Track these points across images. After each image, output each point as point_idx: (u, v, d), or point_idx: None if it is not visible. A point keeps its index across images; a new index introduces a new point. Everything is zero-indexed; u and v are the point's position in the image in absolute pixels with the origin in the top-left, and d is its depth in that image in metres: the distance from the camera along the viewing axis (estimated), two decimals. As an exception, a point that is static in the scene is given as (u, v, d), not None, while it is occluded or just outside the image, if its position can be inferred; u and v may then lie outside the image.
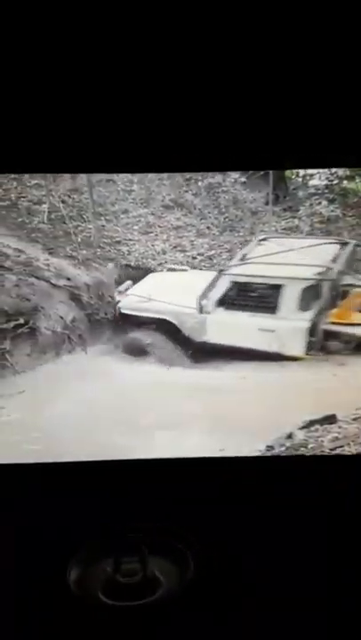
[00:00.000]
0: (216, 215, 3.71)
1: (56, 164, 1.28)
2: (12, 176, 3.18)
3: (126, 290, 3.25)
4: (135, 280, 3.30)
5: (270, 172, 3.84)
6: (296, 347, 2.82)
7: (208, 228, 3.62)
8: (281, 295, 2.83)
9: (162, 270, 3.39)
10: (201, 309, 2.96)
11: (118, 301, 3.18)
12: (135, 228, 3.44)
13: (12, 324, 2.97)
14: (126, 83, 1.20)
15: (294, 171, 3.68)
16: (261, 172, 4.18)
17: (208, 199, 3.77)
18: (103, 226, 3.38)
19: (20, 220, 3.20)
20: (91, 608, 1.19)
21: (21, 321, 2.98)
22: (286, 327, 2.83)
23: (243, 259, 3.10)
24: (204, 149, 1.27)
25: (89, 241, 3.28)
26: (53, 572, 1.25)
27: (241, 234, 3.67)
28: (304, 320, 2.82)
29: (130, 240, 3.40)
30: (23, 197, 3.25)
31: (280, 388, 2.77)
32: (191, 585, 1.22)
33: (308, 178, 3.76)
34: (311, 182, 3.73)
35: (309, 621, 1.15)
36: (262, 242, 3.31)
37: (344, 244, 3.18)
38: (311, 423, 2.44)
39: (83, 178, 3.34)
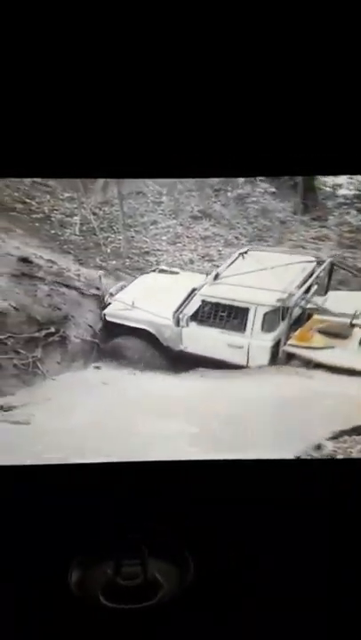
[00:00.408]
0: (245, 225, 3.71)
1: (74, 168, 1.32)
2: (46, 189, 3.31)
3: (117, 292, 3.36)
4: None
5: (300, 181, 3.84)
6: (261, 363, 3.06)
7: (236, 237, 3.63)
8: (247, 317, 3.08)
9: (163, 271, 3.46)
10: (177, 322, 3.17)
11: (107, 305, 3.30)
12: (164, 238, 3.50)
13: (43, 332, 3.07)
14: (139, 92, 1.22)
15: (323, 180, 3.65)
16: (291, 182, 4.18)
17: (237, 209, 3.77)
18: (132, 237, 3.45)
19: (52, 232, 3.32)
20: (91, 610, 1.20)
21: (52, 329, 3.08)
22: (253, 345, 3.09)
23: (216, 277, 3.27)
24: (234, 155, 1.28)
25: (118, 252, 3.36)
26: (54, 574, 1.26)
27: (270, 243, 3.66)
28: (268, 340, 3.07)
29: (158, 250, 3.45)
30: (56, 210, 3.36)
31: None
32: (191, 587, 1.22)
33: (337, 187, 3.71)
34: (340, 192, 3.69)
35: (309, 622, 1.12)
36: (243, 255, 3.44)
37: (320, 262, 3.35)
38: (341, 434, 2.43)
39: (114, 190, 3.42)
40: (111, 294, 3.31)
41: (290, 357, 3.06)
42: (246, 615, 1.16)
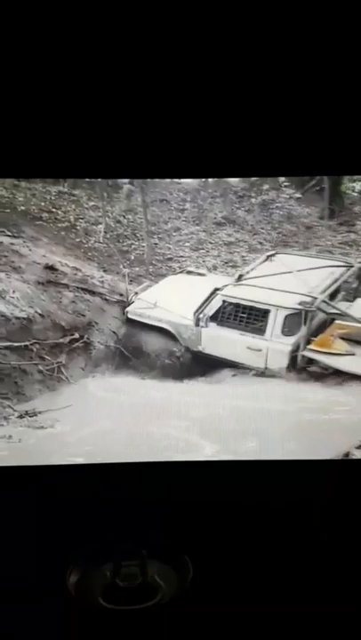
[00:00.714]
0: (269, 230, 3.67)
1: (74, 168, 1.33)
2: (71, 199, 3.38)
3: (142, 292, 3.37)
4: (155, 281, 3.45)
5: (326, 186, 3.78)
6: (279, 367, 2.99)
7: (260, 243, 3.59)
8: (267, 319, 3.02)
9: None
10: (197, 322, 3.15)
11: (130, 303, 3.31)
12: (187, 244, 3.49)
13: (67, 338, 3.11)
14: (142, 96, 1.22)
15: (351, 185, 3.58)
16: (317, 187, 4.12)
17: (261, 215, 3.74)
18: (156, 244, 3.47)
19: (77, 240, 3.38)
20: (90, 612, 1.19)
21: (76, 335, 3.11)
22: (272, 349, 3.02)
23: (239, 278, 3.23)
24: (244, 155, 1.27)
25: (142, 258, 3.38)
26: (52, 576, 1.26)
27: (295, 249, 3.60)
28: (287, 344, 3.00)
29: (181, 257, 3.45)
30: (81, 219, 3.43)
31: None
32: (190, 589, 1.20)
33: (365, 191, 3.64)
34: (368, 195, 3.61)
35: (310, 626, 1.07)
36: (271, 257, 3.39)
37: (349, 267, 3.27)
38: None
39: (138, 199, 3.46)
40: (136, 293, 3.33)
41: (309, 362, 2.98)
42: (245, 617, 1.13)
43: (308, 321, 3.00)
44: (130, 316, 3.26)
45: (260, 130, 1.25)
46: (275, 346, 2.99)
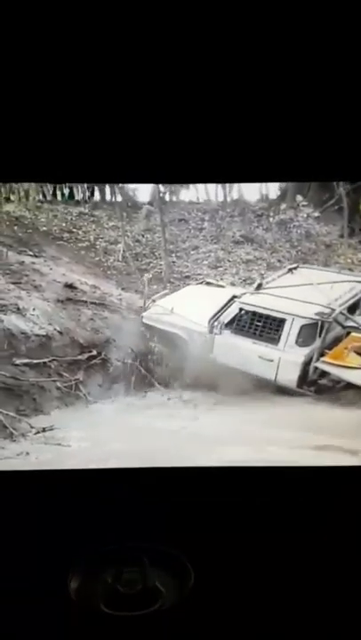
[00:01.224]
0: (288, 249, 3.66)
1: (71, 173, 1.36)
2: (92, 219, 3.46)
3: (159, 299, 3.37)
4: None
5: (345, 205, 3.77)
6: (290, 379, 2.92)
7: (279, 261, 3.57)
8: (282, 328, 2.97)
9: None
10: (211, 329, 3.12)
11: (146, 309, 3.30)
12: (205, 262, 3.51)
13: (85, 355, 3.12)
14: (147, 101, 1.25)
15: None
16: (336, 207, 4.11)
17: (279, 234, 3.74)
18: (174, 262, 3.50)
19: (97, 258, 3.44)
20: (91, 618, 1.16)
21: (94, 352, 3.12)
22: (283, 359, 2.95)
23: (258, 287, 3.21)
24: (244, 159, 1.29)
25: (160, 276, 3.41)
26: (54, 581, 1.24)
27: (315, 266, 3.57)
28: (300, 355, 2.93)
29: (199, 274, 3.47)
30: (101, 238, 3.50)
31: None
32: (191, 595, 1.16)
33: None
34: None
35: (310, 631, 1.07)
36: (293, 270, 3.36)
37: None
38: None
39: (156, 218, 3.52)
40: (153, 300, 3.34)
41: (321, 375, 2.91)
42: (246, 622, 1.10)
43: (324, 333, 2.95)
44: (145, 321, 3.26)
45: (265, 136, 1.27)
46: (287, 356, 2.94)
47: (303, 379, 2.90)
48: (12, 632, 1.15)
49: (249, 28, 1.19)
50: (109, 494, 1.50)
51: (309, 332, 2.96)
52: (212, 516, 1.39)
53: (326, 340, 2.96)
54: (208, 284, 3.45)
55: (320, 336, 2.97)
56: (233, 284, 3.45)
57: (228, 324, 3.12)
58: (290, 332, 2.95)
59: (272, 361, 2.96)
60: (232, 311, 3.14)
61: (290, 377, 2.91)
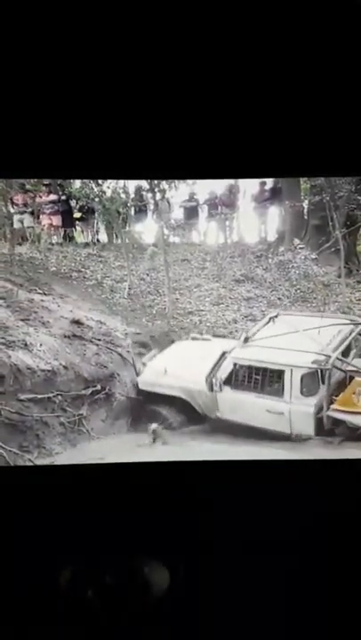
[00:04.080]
0: (287, 287, 3.78)
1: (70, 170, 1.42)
2: (99, 259, 3.63)
3: (150, 360, 3.34)
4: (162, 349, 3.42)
5: (341, 247, 3.94)
6: (306, 430, 2.83)
7: (279, 299, 3.68)
8: (283, 380, 2.91)
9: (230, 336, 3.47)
10: (211, 387, 3.05)
11: (139, 374, 3.27)
12: (207, 300, 3.63)
13: (89, 390, 3.14)
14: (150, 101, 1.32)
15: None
16: (332, 249, 4.29)
17: (279, 273, 3.88)
18: (177, 299, 3.62)
19: (103, 296, 3.57)
20: (81, 609, 1.13)
21: (98, 387, 3.15)
22: (294, 411, 2.86)
23: (246, 340, 3.18)
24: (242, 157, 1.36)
25: (163, 312, 3.51)
26: (45, 574, 1.21)
27: (314, 304, 3.67)
28: (309, 405, 2.85)
29: (201, 311, 3.57)
30: (107, 277, 3.65)
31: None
32: (181, 588, 1.13)
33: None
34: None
35: (299, 623, 1.09)
36: (273, 319, 3.37)
37: (358, 324, 3.21)
38: None
39: (160, 259, 3.69)
40: (144, 364, 3.32)
41: (335, 424, 2.80)
42: (235, 615, 1.07)
43: (327, 379, 2.89)
44: (142, 387, 3.23)
45: (262, 133, 1.34)
46: (297, 408, 2.85)
47: (320, 429, 2.81)
48: (4, 624, 1.13)
49: (249, 27, 1.24)
50: (100, 488, 1.48)
51: (311, 380, 2.90)
52: (202, 510, 1.37)
53: (331, 387, 2.89)
54: (194, 338, 3.48)
55: (323, 383, 2.91)
56: (235, 321, 3.53)
57: (227, 381, 3.07)
58: (292, 382, 2.90)
59: (282, 414, 2.88)
60: (227, 367, 3.09)
61: (306, 429, 2.82)
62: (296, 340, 3.09)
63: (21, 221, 3.96)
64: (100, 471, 1.62)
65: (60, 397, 3.10)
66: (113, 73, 1.32)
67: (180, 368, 3.21)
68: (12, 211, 3.85)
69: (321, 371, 2.91)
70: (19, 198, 3.96)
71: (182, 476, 1.51)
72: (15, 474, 1.66)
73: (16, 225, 3.90)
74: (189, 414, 3.11)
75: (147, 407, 3.17)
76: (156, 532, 1.32)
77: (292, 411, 2.86)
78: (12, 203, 3.89)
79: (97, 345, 3.29)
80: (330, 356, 2.94)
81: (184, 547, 1.29)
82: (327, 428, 2.81)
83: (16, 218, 3.92)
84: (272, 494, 1.42)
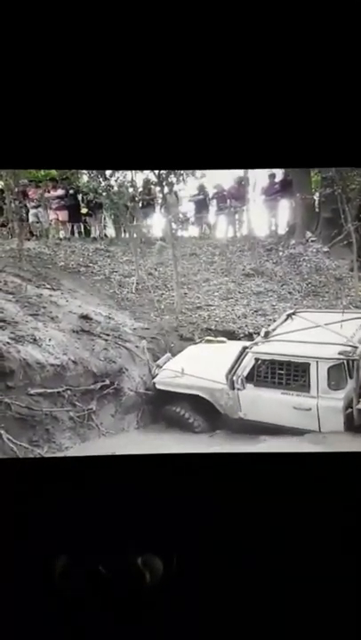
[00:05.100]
0: (298, 281, 3.73)
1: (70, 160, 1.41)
2: (107, 254, 3.62)
3: (164, 363, 3.26)
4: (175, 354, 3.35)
5: (353, 240, 3.87)
6: (335, 426, 2.70)
7: (290, 293, 3.63)
8: (309, 374, 2.76)
9: (240, 335, 3.41)
10: (232, 385, 2.92)
11: (155, 375, 3.20)
12: (216, 294, 3.60)
13: (98, 385, 3.14)
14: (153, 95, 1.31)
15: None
16: (345, 242, 4.21)
17: (289, 267, 3.83)
18: (185, 293, 3.59)
19: (111, 291, 3.56)
20: (76, 600, 1.13)
21: (107, 382, 3.14)
22: (322, 406, 2.73)
23: (266, 335, 3.05)
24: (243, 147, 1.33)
25: (172, 307, 3.49)
26: (40, 564, 1.21)
27: (326, 298, 3.61)
28: (338, 399, 2.70)
29: (210, 305, 3.53)
30: (115, 272, 3.64)
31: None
32: (175, 579, 1.13)
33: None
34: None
35: (284, 612, 1.10)
36: (291, 316, 3.26)
37: None
38: None
39: (169, 253, 3.66)
40: (158, 366, 3.25)
41: None
42: (231, 605, 1.10)
43: (356, 371, 2.76)
44: (158, 386, 3.16)
45: (262, 124, 1.32)
46: (325, 403, 2.72)
47: (350, 425, 2.68)
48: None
49: (259, 16, 1.22)
50: (97, 479, 1.47)
51: (338, 372, 2.77)
52: (197, 502, 1.36)
53: (359, 379, 2.75)
54: (208, 341, 3.40)
55: (351, 377, 2.77)
56: (245, 316, 3.49)
57: (249, 377, 2.91)
58: (318, 375, 2.76)
59: (310, 410, 2.75)
60: (248, 363, 2.94)
61: (335, 425, 2.70)
62: (318, 334, 2.98)
63: (36, 215, 3.96)
64: (96, 463, 1.61)
65: (69, 392, 3.11)
66: (123, 62, 1.31)
67: (197, 368, 3.11)
68: (28, 205, 3.85)
69: (348, 363, 2.77)
70: (34, 193, 3.97)
71: (180, 468, 1.50)
72: (11, 464, 1.66)
73: (31, 219, 3.91)
74: (210, 415, 3.01)
75: (165, 408, 3.11)
76: (151, 523, 1.32)
77: (320, 406, 2.72)
78: (27, 197, 3.89)
79: (105, 340, 3.28)
80: (357, 347, 2.80)
81: (179, 538, 1.28)
82: (358, 424, 2.68)
83: (32, 212, 3.93)
84: (271, 488, 1.40)
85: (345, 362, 2.78)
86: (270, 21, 1.28)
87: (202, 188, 3.88)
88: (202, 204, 3.92)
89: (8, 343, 2.98)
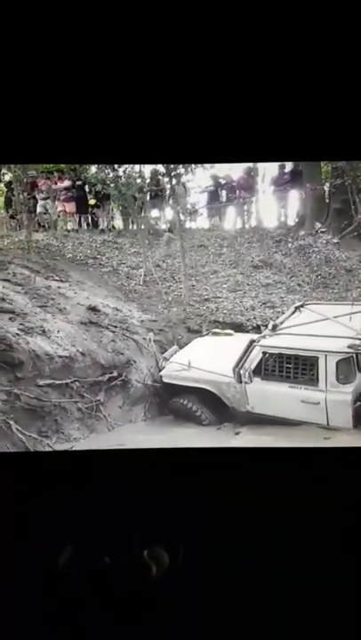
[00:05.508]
0: (308, 273, 3.69)
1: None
2: (115, 246, 3.61)
3: (171, 356, 3.25)
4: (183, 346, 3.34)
5: (364, 232, 3.82)
6: (344, 420, 2.67)
7: (299, 285, 3.60)
8: (317, 367, 2.74)
9: (248, 327, 3.39)
10: (239, 379, 2.90)
11: (162, 368, 3.20)
12: (224, 286, 3.58)
13: (106, 376, 3.15)
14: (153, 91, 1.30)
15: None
16: (355, 233, 4.15)
17: (299, 259, 3.79)
18: (193, 285, 3.58)
19: (119, 282, 3.56)
20: (80, 592, 1.15)
21: (115, 374, 3.15)
22: (330, 400, 2.70)
23: (274, 328, 3.02)
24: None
25: (179, 299, 3.48)
26: (43, 556, 1.23)
27: (336, 290, 3.57)
28: (347, 393, 2.67)
29: (218, 297, 3.52)
30: (123, 264, 3.63)
31: None
32: (180, 572, 1.14)
33: None
34: None
35: (288, 608, 1.11)
36: (300, 309, 3.22)
37: None
38: None
39: (177, 245, 3.64)
40: (165, 359, 3.25)
41: None
42: (233, 598, 1.13)
43: None
44: (165, 379, 3.16)
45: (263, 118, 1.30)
46: (333, 396, 2.70)
47: (359, 418, 2.66)
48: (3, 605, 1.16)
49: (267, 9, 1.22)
50: (104, 473, 1.49)
51: (347, 366, 2.75)
52: (202, 497, 1.37)
53: None
54: (215, 334, 3.37)
55: (360, 370, 2.74)
56: (253, 308, 3.46)
57: (256, 371, 2.90)
58: (327, 369, 2.73)
59: (318, 404, 2.73)
60: (255, 356, 2.92)
61: (344, 419, 2.67)
62: (326, 327, 2.94)
63: (44, 207, 3.96)
64: (102, 456, 1.62)
65: (77, 383, 3.12)
66: (128, 58, 1.30)
67: (205, 361, 3.10)
68: (37, 197, 3.85)
69: (357, 356, 2.75)
70: (43, 184, 3.96)
71: (184, 462, 1.50)
72: (17, 458, 1.68)
73: (39, 210, 3.91)
74: (217, 407, 3.01)
75: (172, 400, 3.11)
76: (157, 516, 1.33)
77: (329, 400, 2.70)
78: (37, 189, 3.89)
79: (113, 332, 3.29)
80: None
81: (184, 530, 1.29)
82: None
83: (40, 204, 3.93)
84: (271, 481, 1.40)
85: (354, 355, 2.76)
86: (282, 16, 1.26)
87: (215, 179, 3.83)
88: (214, 196, 3.88)
89: (17, 334, 3.00)
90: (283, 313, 3.32)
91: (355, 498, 1.34)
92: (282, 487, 1.39)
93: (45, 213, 3.85)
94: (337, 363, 2.73)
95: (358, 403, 2.67)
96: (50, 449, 2.86)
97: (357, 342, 2.78)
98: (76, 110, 1.36)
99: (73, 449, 2.86)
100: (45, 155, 1.50)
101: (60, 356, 3.15)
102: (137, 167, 3.56)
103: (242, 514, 1.34)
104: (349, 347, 2.77)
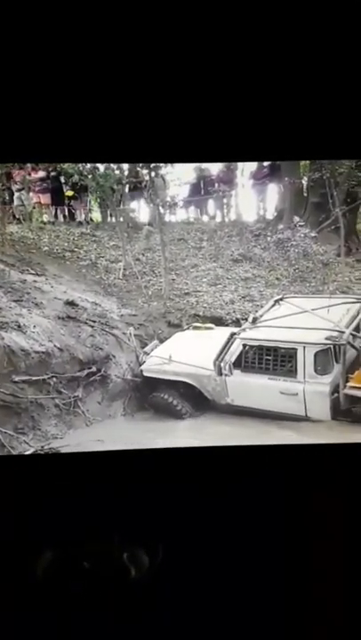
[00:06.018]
0: (286, 267, 3.72)
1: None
2: (93, 239, 3.54)
3: (152, 350, 3.26)
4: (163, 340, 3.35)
5: (341, 225, 3.86)
6: (322, 411, 2.72)
7: (277, 279, 3.62)
8: (296, 359, 2.80)
9: (228, 321, 3.40)
10: (220, 371, 2.95)
11: (142, 363, 3.21)
12: (204, 280, 3.57)
13: (85, 372, 3.11)
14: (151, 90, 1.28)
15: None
16: (332, 226, 4.21)
17: (277, 252, 3.81)
18: (173, 279, 3.55)
19: (98, 276, 3.50)
20: (60, 594, 1.14)
21: (94, 369, 3.11)
22: (308, 391, 2.76)
23: (254, 321, 3.09)
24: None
25: (160, 293, 3.45)
26: (23, 559, 1.21)
27: (313, 284, 3.61)
28: (324, 384, 2.74)
29: (198, 291, 3.51)
30: (102, 257, 3.57)
31: None
32: (160, 573, 1.14)
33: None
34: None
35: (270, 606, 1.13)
36: (279, 302, 3.28)
37: None
38: None
39: (156, 238, 3.60)
40: (146, 353, 3.25)
41: (353, 403, 2.69)
42: (214, 599, 1.16)
43: (342, 356, 2.79)
44: (146, 373, 3.16)
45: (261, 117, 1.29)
46: (312, 387, 2.75)
47: (336, 409, 2.71)
48: None
49: (249, 12, 1.22)
50: (83, 474, 1.47)
51: (325, 358, 2.80)
52: (184, 496, 1.37)
53: (345, 364, 2.77)
54: (196, 327, 3.39)
55: (337, 361, 2.80)
56: (232, 302, 3.47)
57: (236, 363, 2.94)
58: (305, 361, 2.79)
59: (296, 395, 2.78)
60: (236, 349, 2.96)
61: (321, 410, 2.72)
62: (305, 319, 3.00)
63: (20, 199, 3.85)
64: (82, 458, 1.60)
65: (54, 379, 3.06)
66: (109, 57, 1.28)
67: (185, 355, 3.11)
68: (13, 188, 3.73)
69: (334, 348, 2.81)
70: (18, 174, 3.85)
71: (165, 462, 1.49)
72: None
73: (16, 202, 3.80)
74: (198, 401, 3.03)
75: (152, 395, 3.10)
76: (136, 518, 1.31)
77: (307, 391, 2.76)
78: (12, 180, 3.77)
79: (92, 327, 3.23)
80: (343, 332, 2.84)
81: (164, 532, 1.28)
82: (344, 408, 2.72)
83: (16, 195, 3.82)
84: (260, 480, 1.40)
85: (332, 347, 2.82)
86: (262, 20, 1.25)
87: (198, 171, 3.79)
88: (195, 188, 3.85)
89: (-9, 330, 2.92)
90: (262, 307, 3.35)
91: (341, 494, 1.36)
92: (269, 485, 1.40)
93: (22, 205, 3.74)
94: (315, 354, 2.79)
95: (336, 394, 2.73)
96: (26, 445, 2.80)
97: (335, 334, 2.85)
98: (72, 108, 1.33)
99: (49, 447, 2.80)
100: (45, 155, 1.46)
101: (37, 352, 3.07)
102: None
103: (225, 513, 1.34)
104: (327, 338, 2.84)
